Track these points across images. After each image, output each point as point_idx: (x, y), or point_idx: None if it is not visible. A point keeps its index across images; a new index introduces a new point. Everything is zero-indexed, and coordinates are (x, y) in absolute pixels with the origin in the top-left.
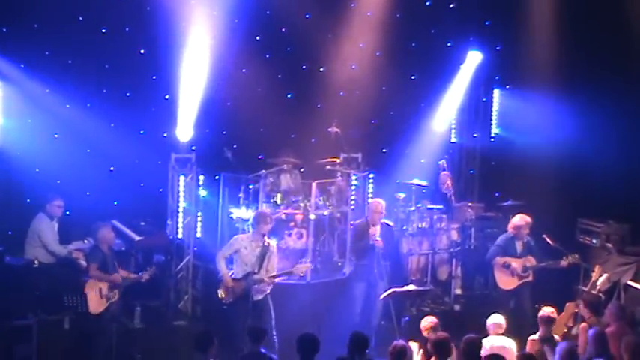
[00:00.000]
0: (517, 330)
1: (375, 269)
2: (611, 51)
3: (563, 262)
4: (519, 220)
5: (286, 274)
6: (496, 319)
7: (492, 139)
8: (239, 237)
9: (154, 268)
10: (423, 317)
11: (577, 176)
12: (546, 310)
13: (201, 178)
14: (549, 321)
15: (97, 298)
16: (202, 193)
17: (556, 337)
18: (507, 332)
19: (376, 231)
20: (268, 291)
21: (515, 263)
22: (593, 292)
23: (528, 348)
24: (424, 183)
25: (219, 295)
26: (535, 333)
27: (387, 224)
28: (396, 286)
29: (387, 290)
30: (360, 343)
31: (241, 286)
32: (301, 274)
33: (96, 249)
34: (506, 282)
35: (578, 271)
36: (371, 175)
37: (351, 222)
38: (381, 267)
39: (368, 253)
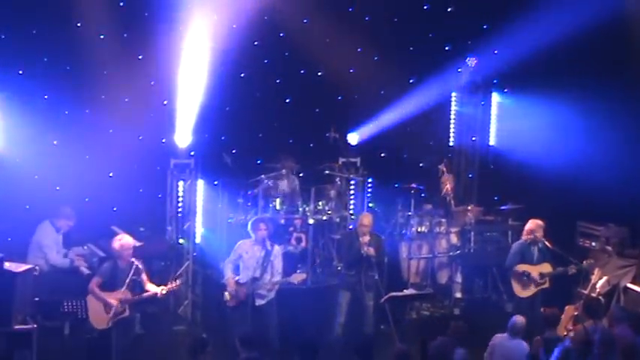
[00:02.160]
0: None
1: (362, 280)
2: (611, 54)
3: (582, 265)
4: (531, 224)
5: (283, 282)
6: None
7: (491, 143)
8: (242, 242)
9: (179, 282)
10: (423, 321)
11: (576, 179)
12: (550, 312)
13: (200, 182)
14: (555, 321)
15: (102, 313)
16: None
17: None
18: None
19: (366, 240)
20: (272, 297)
21: (534, 272)
22: (593, 295)
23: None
24: (423, 187)
25: (225, 298)
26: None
27: (377, 235)
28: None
29: (377, 300)
30: (363, 350)
31: (244, 291)
32: (296, 283)
33: (106, 262)
34: (523, 290)
35: (578, 274)
36: (370, 180)
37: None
38: (369, 278)
39: (357, 263)
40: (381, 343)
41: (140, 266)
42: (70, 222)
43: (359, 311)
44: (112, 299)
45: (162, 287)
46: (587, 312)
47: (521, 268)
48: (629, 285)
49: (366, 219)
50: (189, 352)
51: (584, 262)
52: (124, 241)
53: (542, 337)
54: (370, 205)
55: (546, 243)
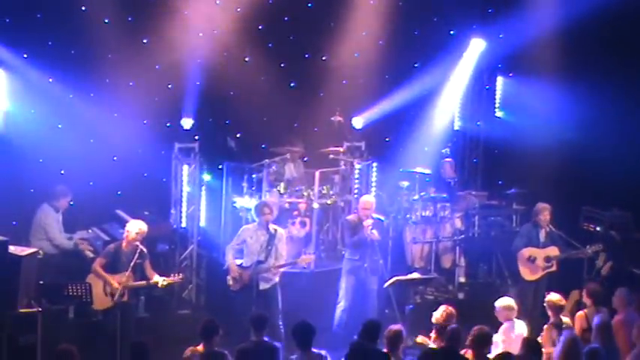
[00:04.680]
0: (531, 317)
1: (366, 264)
2: (616, 36)
3: (588, 251)
4: (536, 206)
5: (290, 264)
6: (506, 302)
7: (495, 127)
8: (245, 227)
9: (182, 276)
10: (427, 306)
11: (581, 164)
12: (553, 297)
13: (205, 166)
14: (557, 307)
15: (101, 294)
16: (206, 177)
17: (565, 319)
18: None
19: (370, 224)
20: (276, 280)
21: (539, 257)
22: (598, 279)
23: (545, 335)
24: (427, 171)
25: (228, 283)
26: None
27: (379, 219)
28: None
29: (381, 284)
30: (372, 332)
31: (248, 274)
32: (304, 266)
33: (111, 244)
34: (529, 273)
35: (583, 259)
36: (374, 164)
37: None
38: (373, 262)
39: (362, 247)
40: (385, 327)
41: (145, 251)
42: (67, 199)
43: (363, 296)
44: (113, 281)
45: (164, 278)
46: (592, 298)
47: (528, 251)
48: (635, 270)
49: (368, 202)
50: (201, 335)
51: (593, 247)
52: (139, 226)
53: (552, 324)
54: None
55: (551, 227)
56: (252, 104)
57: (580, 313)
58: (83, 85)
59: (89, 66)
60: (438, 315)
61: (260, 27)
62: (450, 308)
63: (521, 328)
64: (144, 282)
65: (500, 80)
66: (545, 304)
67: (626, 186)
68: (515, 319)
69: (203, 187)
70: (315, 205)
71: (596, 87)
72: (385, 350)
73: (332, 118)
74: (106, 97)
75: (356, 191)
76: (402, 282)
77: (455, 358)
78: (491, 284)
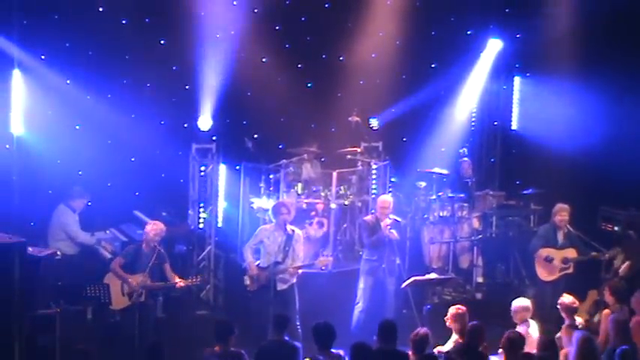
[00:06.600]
0: (550, 318)
1: (384, 265)
2: (633, 36)
3: (605, 256)
4: (555, 207)
5: (307, 266)
6: (522, 303)
7: (513, 127)
8: (263, 228)
9: (200, 277)
10: (445, 306)
11: (599, 163)
12: (566, 300)
13: (222, 167)
14: (571, 309)
15: (119, 294)
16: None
17: (579, 319)
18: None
19: (388, 223)
20: (293, 281)
21: (557, 257)
22: (615, 279)
23: (563, 336)
24: (445, 171)
25: (245, 283)
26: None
27: (396, 220)
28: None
29: (398, 284)
30: (388, 332)
31: (265, 275)
32: (322, 268)
33: (130, 244)
34: (545, 274)
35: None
36: (391, 164)
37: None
38: (391, 262)
39: (380, 247)
40: (402, 327)
41: (163, 252)
42: (84, 200)
43: (381, 296)
44: (132, 281)
45: (181, 280)
46: (615, 296)
47: (545, 252)
48: None
49: (387, 202)
50: (216, 337)
51: (611, 251)
52: (157, 227)
53: (568, 325)
54: (393, 179)
55: (569, 228)
56: (270, 105)
57: (606, 311)
58: (100, 86)
59: (106, 67)
60: (448, 320)
61: (277, 28)
62: (459, 308)
63: (535, 330)
64: (162, 283)
65: (517, 80)
66: (558, 307)
67: None
68: (530, 320)
69: (221, 188)
70: (333, 206)
71: (614, 86)
72: (410, 352)
73: (349, 119)
74: (123, 98)
75: (373, 191)
76: (420, 282)
77: (474, 355)
78: (509, 284)
